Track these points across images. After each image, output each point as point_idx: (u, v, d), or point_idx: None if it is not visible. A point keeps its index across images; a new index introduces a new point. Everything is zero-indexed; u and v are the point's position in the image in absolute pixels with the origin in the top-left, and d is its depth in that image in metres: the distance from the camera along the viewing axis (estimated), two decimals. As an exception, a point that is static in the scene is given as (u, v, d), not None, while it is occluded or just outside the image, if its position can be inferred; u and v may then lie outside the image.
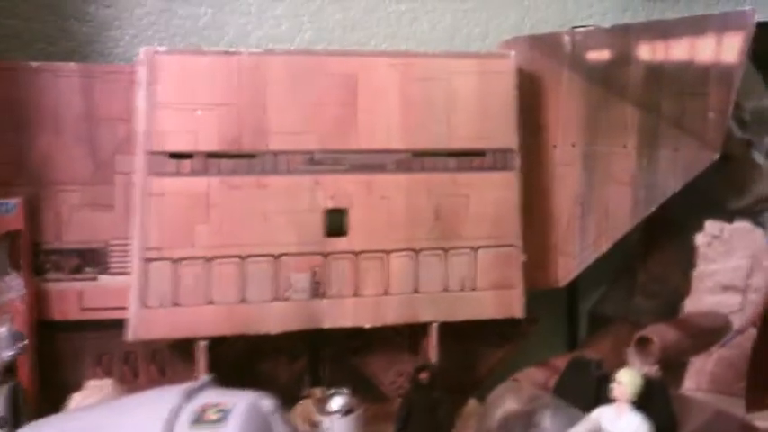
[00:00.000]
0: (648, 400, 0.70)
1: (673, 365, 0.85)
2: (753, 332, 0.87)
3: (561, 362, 0.90)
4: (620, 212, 1.01)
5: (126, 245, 0.87)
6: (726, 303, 0.94)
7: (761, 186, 1.05)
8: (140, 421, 0.56)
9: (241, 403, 0.57)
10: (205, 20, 1.02)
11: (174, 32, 1.01)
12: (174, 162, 0.85)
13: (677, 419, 0.72)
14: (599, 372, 0.78)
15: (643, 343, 0.82)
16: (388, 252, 0.90)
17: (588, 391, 0.75)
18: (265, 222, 0.86)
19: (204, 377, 0.62)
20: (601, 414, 0.70)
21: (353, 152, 0.89)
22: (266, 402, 0.60)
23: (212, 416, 0.56)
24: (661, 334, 0.81)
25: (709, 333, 0.88)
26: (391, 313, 0.90)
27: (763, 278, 0.89)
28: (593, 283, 1.14)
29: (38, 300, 0.86)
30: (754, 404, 0.86)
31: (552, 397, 0.73)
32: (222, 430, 0.55)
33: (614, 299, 1.13)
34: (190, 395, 0.59)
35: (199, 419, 0.56)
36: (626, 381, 0.69)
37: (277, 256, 0.87)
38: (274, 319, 0.86)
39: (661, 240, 1.10)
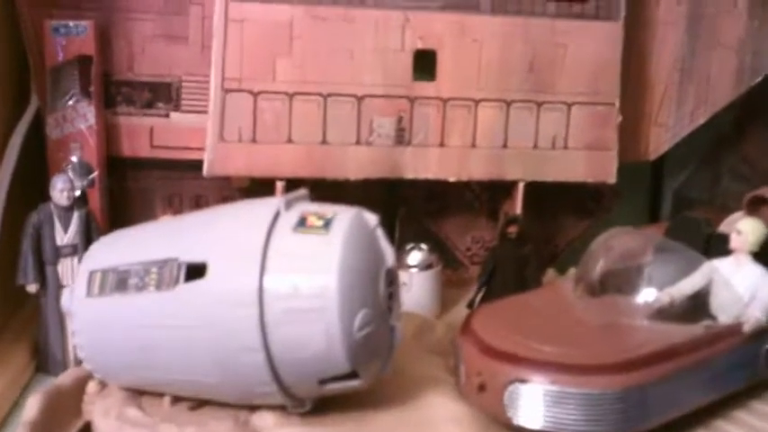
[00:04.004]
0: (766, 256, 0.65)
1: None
2: None
3: (654, 230, 0.84)
4: (722, 80, 0.93)
5: (200, 81, 0.82)
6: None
7: None
8: (243, 223, 0.52)
9: (344, 213, 0.53)
10: None
11: None
12: (255, -13, 0.79)
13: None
14: (709, 229, 0.73)
15: (755, 204, 0.76)
16: (477, 101, 0.84)
17: (696, 249, 0.69)
18: (351, 60, 0.80)
19: (302, 189, 0.57)
20: (716, 266, 0.65)
21: (446, -13, 0.82)
22: (370, 216, 0.55)
23: (315, 222, 0.51)
24: (777, 194, 0.75)
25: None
26: (477, 168, 0.85)
27: None
28: (679, 162, 1.07)
29: (108, 133, 0.82)
30: None
31: (664, 240, 0.68)
32: (326, 236, 0.51)
33: (701, 180, 1.07)
34: (289, 204, 0.54)
35: (301, 225, 0.51)
36: (747, 229, 0.64)
37: (361, 97, 0.81)
38: (355, 164, 0.81)
39: (758, 120, 1.03)
